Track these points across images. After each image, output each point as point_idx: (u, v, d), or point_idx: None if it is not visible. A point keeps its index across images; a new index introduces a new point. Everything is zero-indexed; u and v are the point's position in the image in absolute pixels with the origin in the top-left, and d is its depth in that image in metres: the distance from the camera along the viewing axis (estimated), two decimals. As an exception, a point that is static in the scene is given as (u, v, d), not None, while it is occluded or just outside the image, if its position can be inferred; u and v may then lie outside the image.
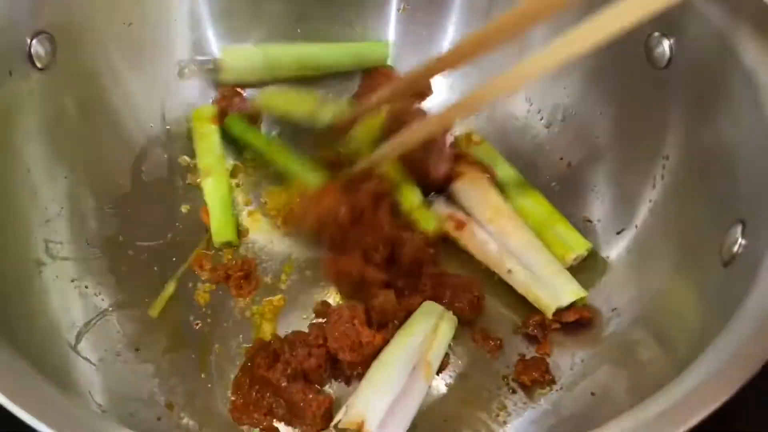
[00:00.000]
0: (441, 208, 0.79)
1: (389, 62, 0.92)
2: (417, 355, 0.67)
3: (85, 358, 0.67)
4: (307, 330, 0.71)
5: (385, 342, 0.68)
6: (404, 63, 0.91)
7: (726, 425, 0.47)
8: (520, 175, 0.83)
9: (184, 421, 0.67)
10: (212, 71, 0.85)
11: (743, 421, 0.62)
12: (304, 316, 0.75)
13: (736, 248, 0.57)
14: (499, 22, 0.62)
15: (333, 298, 0.76)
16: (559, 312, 0.71)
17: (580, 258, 0.76)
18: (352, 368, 0.68)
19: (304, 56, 0.88)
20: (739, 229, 0.58)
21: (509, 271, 0.74)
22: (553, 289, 0.71)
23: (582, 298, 0.72)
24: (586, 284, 0.73)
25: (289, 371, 0.67)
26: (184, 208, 0.82)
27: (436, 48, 0.90)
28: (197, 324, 0.74)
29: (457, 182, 0.80)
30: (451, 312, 0.71)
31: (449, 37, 0.90)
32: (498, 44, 0.63)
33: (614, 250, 0.76)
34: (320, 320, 0.73)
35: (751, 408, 0.53)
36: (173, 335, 0.72)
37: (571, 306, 0.72)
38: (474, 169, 0.80)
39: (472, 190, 0.79)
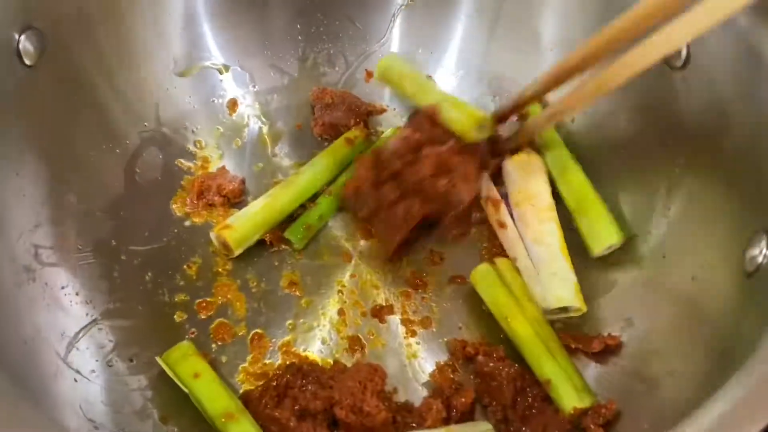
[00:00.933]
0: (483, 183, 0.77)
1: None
2: None
3: (76, 370, 0.64)
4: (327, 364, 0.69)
5: (389, 420, 0.63)
6: (409, 62, 0.88)
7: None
8: (573, 156, 0.79)
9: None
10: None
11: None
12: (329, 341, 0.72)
13: (761, 259, 0.55)
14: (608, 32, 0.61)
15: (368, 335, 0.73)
16: (586, 342, 0.68)
17: (614, 248, 0.73)
18: (347, 429, 0.63)
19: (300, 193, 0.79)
20: (764, 238, 0.56)
21: (515, 259, 0.73)
22: (544, 290, 0.70)
23: (577, 309, 0.70)
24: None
25: (297, 408, 0.63)
26: (179, 212, 0.78)
27: (440, 45, 0.88)
28: (193, 333, 0.71)
29: (508, 161, 0.78)
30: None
31: (456, 34, 0.87)
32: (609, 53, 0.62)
33: (628, 258, 0.73)
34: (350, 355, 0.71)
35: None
36: (170, 344, 0.68)
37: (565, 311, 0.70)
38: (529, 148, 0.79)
39: (517, 171, 0.77)
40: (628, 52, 0.58)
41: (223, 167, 0.82)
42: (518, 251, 0.73)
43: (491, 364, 0.66)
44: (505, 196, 0.77)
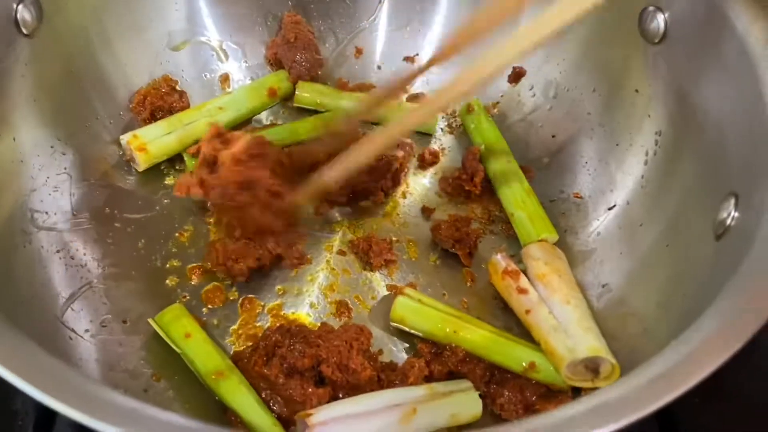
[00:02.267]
0: (500, 264, 0.73)
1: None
2: (408, 398, 0.62)
3: (71, 329, 0.66)
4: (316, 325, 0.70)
5: (374, 377, 0.65)
6: (396, 38, 0.91)
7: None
8: (511, 154, 0.83)
9: (171, 393, 0.66)
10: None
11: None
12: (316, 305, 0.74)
13: (729, 221, 0.57)
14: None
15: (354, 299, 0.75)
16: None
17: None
18: (333, 386, 0.65)
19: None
20: (732, 201, 0.58)
21: (528, 311, 0.69)
22: (576, 342, 0.64)
23: (610, 369, 0.64)
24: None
25: (285, 366, 0.65)
26: (169, 181, 0.80)
27: (428, 22, 0.90)
28: (185, 297, 0.73)
29: (533, 245, 0.75)
30: (479, 400, 0.65)
31: (441, 10, 0.89)
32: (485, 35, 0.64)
33: (604, 226, 0.76)
34: (337, 319, 0.73)
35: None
36: (162, 307, 0.70)
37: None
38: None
39: (542, 251, 0.74)
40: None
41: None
42: (539, 310, 0.69)
43: (459, 368, 0.68)
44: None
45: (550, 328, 0.67)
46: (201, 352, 0.67)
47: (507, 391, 0.66)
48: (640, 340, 0.63)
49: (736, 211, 0.57)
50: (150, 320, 0.69)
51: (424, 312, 0.70)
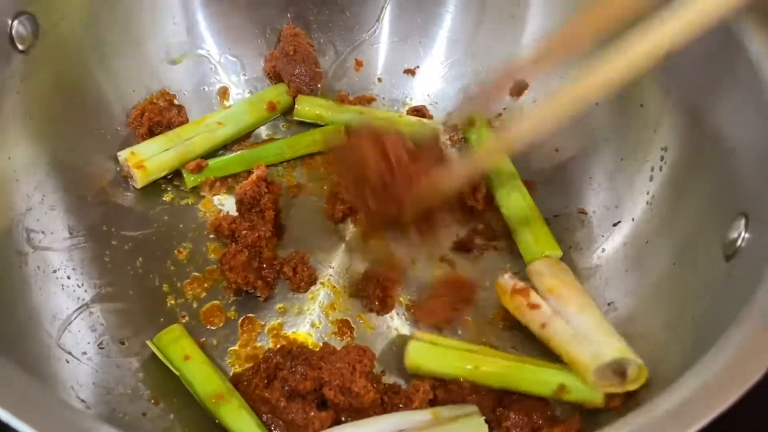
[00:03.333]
0: (508, 284, 0.72)
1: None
2: (412, 423, 0.61)
3: (68, 352, 0.65)
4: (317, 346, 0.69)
5: (377, 400, 0.64)
6: (397, 50, 0.90)
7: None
8: (513, 167, 0.81)
9: (170, 416, 0.65)
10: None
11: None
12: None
13: (739, 242, 0.57)
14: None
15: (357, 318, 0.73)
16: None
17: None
18: (335, 409, 0.64)
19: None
20: (742, 222, 0.57)
21: (543, 325, 0.67)
22: (599, 347, 0.63)
23: (638, 371, 0.62)
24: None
25: (286, 389, 0.64)
26: (167, 197, 0.79)
27: (429, 35, 0.89)
28: (183, 316, 0.72)
29: (538, 262, 0.74)
30: (485, 425, 0.63)
31: (444, 23, 0.88)
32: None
33: (610, 243, 0.75)
34: (340, 339, 0.72)
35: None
36: (160, 328, 0.69)
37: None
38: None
39: (547, 266, 0.73)
40: (604, 59, 0.54)
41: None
42: (555, 322, 0.67)
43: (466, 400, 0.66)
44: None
45: (570, 337, 0.65)
46: (200, 374, 0.65)
47: (513, 413, 0.64)
48: (647, 361, 0.62)
49: (746, 231, 0.57)
50: (148, 342, 0.67)
51: (440, 354, 0.68)
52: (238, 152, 0.82)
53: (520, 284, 0.71)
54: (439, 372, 0.67)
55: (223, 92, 0.87)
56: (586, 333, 0.65)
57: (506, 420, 0.64)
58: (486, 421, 0.63)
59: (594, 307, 0.68)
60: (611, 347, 0.62)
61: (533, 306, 0.69)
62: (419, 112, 0.88)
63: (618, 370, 0.62)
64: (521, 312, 0.70)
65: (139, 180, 0.77)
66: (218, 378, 0.65)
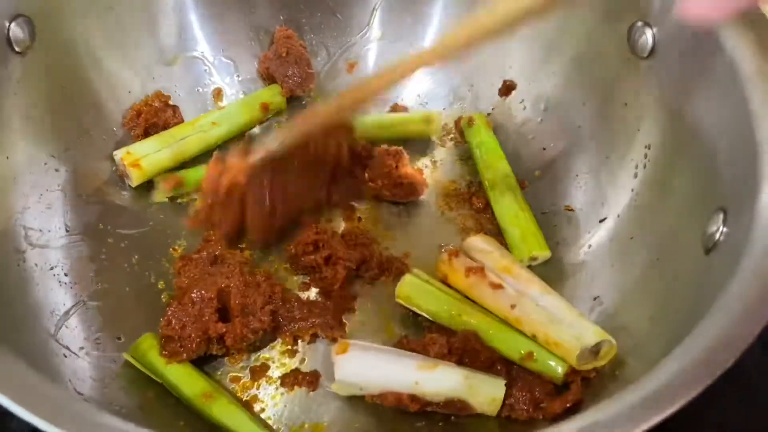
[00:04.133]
0: (458, 262, 0.73)
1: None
2: (429, 372, 0.64)
3: (65, 347, 0.66)
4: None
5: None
6: (388, 51, 0.91)
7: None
8: (510, 169, 0.83)
9: (167, 409, 0.66)
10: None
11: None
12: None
13: (718, 236, 0.58)
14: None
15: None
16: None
17: (539, 261, 0.76)
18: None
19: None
20: (720, 216, 0.59)
21: (513, 306, 0.68)
22: (580, 330, 0.65)
23: (609, 348, 0.65)
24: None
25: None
26: (163, 197, 0.80)
27: (420, 37, 0.90)
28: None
29: (475, 238, 0.76)
30: (503, 386, 0.64)
31: (434, 25, 0.90)
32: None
33: (596, 239, 0.76)
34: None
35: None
36: (155, 324, 0.70)
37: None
38: None
39: (487, 243, 0.75)
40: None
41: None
42: (524, 303, 0.68)
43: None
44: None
45: (546, 320, 0.66)
46: (184, 376, 0.66)
47: (516, 390, 0.66)
48: (631, 354, 0.64)
49: (724, 226, 0.58)
50: (125, 355, 0.68)
51: (431, 292, 0.71)
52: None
53: (472, 263, 0.72)
54: (423, 308, 0.71)
55: (217, 93, 0.88)
56: (561, 316, 0.67)
57: (509, 397, 0.65)
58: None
59: (551, 289, 0.71)
60: (591, 331, 0.65)
61: (495, 286, 0.70)
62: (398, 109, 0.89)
63: (593, 349, 0.65)
64: (480, 292, 0.71)
65: (135, 179, 0.78)
66: (203, 377, 0.66)
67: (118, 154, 0.78)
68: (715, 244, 0.58)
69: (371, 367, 0.66)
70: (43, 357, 0.63)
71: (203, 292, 0.66)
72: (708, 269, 0.58)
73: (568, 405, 0.63)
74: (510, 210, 0.79)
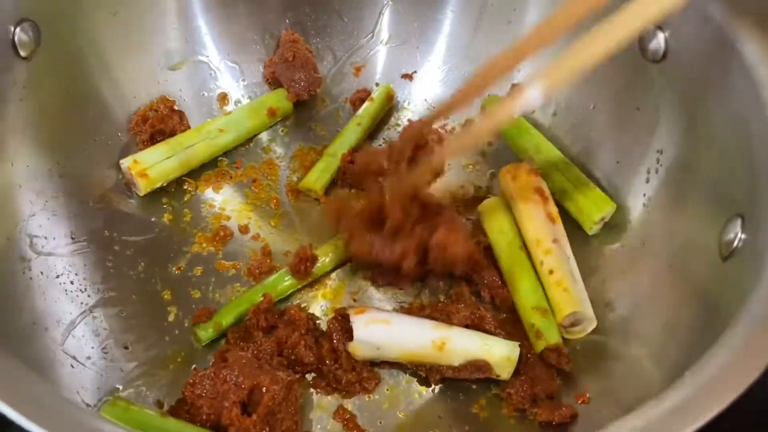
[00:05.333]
0: (531, 178, 0.76)
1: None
2: (446, 331, 0.66)
3: (72, 357, 0.65)
4: None
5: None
6: (395, 55, 0.90)
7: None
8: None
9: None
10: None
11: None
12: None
13: (736, 243, 0.57)
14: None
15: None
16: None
17: (606, 218, 0.76)
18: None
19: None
20: (738, 223, 0.58)
21: (555, 241, 0.72)
22: (583, 297, 0.70)
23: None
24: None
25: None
26: (169, 203, 0.80)
27: (427, 40, 0.90)
28: (187, 321, 0.72)
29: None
30: (518, 348, 0.67)
31: (442, 28, 0.89)
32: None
33: (608, 244, 0.75)
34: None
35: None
36: (161, 333, 0.70)
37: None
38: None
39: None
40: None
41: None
42: (563, 248, 0.73)
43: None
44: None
45: (571, 277, 0.70)
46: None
47: (518, 382, 0.67)
48: (645, 362, 0.63)
49: (743, 232, 0.57)
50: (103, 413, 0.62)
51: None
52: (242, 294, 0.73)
53: (542, 185, 0.75)
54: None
55: (223, 98, 0.87)
56: (577, 277, 0.71)
57: (510, 387, 0.66)
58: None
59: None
60: (589, 305, 0.70)
61: (552, 218, 0.73)
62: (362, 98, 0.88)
63: (575, 321, 0.70)
64: (534, 215, 0.73)
65: (143, 188, 0.77)
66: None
67: (125, 163, 0.77)
68: (733, 251, 0.58)
69: (389, 327, 0.67)
70: (50, 367, 0.63)
71: (240, 378, 0.61)
72: (726, 277, 0.58)
73: (557, 419, 0.64)
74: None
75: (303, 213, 0.81)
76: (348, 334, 0.67)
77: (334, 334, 0.68)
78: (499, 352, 0.66)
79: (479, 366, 0.66)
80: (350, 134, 0.84)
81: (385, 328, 0.67)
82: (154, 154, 0.78)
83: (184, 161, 0.79)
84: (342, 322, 0.69)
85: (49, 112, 0.71)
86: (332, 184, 0.82)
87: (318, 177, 0.81)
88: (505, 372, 0.66)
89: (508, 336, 0.69)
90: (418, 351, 0.66)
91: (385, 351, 0.67)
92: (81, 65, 0.75)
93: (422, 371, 0.68)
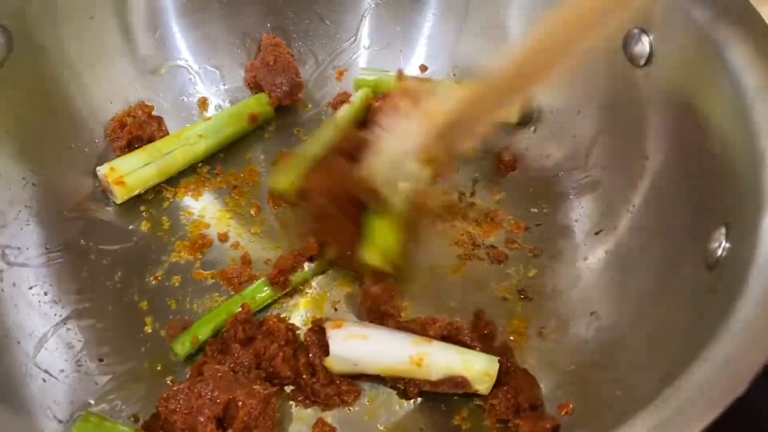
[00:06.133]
0: None
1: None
2: (425, 347, 0.65)
3: (45, 371, 0.64)
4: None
5: None
6: (377, 59, 0.89)
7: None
8: None
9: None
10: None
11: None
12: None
13: (720, 251, 0.56)
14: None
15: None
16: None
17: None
18: None
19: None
20: (723, 231, 0.57)
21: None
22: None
23: None
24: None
25: None
26: (147, 210, 0.78)
27: (409, 43, 0.89)
28: (164, 330, 0.70)
29: None
30: (497, 363, 0.66)
31: (424, 31, 0.88)
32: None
33: (592, 252, 0.74)
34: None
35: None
36: (138, 344, 0.69)
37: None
38: None
39: None
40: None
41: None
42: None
43: None
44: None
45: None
46: None
47: (501, 393, 0.66)
48: (630, 372, 0.62)
49: (727, 241, 0.56)
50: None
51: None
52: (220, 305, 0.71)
53: None
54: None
55: (203, 102, 0.86)
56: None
57: (494, 398, 0.66)
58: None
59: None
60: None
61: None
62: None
63: None
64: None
65: (119, 196, 0.76)
66: None
67: (102, 170, 0.75)
68: (718, 260, 0.57)
69: (366, 342, 0.65)
70: (21, 383, 0.61)
71: (215, 392, 0.60)
72: (711, 286, 0.57)
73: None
74: None
75: (284, 220, 0.79)
76: (325, 348, 0.66)
77: (311, 348, 0.67)
78: (478, 367, 0.65)
79: (457, 382, 0.64)
80: (326, 137, 0.81)
81: (363, 344, 0.65)
82: (131, 162, 0.76)
83: (162, 168, 0.78)
84: (319, 334, 0.67)
85: (21, 120, 0.70)
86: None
87: (286, 178, 0.79)
88: (483, 387, 0.65)
89: (485, 349, 0.68)
90: (396, 366, 0.65)
91: (363, 366, 0.65)
92: (54, 71, 0.73)
93: (401, 384, 0.66)
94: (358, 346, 0.65)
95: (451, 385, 0.65)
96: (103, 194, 0.77)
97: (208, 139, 0.81)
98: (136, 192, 0.77)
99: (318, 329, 0.68)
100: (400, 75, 0.84)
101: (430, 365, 0.64)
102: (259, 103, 0.85)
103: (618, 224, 0.72)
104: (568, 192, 0.78)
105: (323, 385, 0.65)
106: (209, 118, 0.83)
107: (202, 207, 0.79)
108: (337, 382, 0.66)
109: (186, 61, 0.86)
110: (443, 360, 0.65)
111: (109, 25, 0.78)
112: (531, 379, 0.67)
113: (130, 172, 0.76)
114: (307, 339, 0.68)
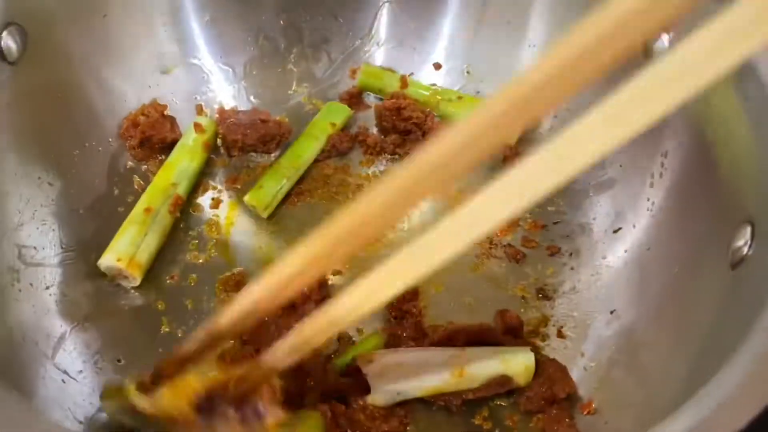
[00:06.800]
0: None
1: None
2: (461, 356, 0.64)
3: (64, 371, 0.64)
4: None
5: None
6: (391, 57, 0.89)
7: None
8: None
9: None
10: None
11: None
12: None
13: (745, 250, 0.56)
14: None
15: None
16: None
17: None
18: None
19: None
20: (748, 230, 0.56)
21: None
22: None
23: None
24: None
25: None
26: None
27: (425, 41, 0.88)
28: (181, 331, 0.70)
29: None
30: (531, 355, 0.65)
31: (441, 30, 0.87)
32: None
33: (611, 250, 0.74)
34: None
35: None
36: (155, 345, 0.69)
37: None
38: None
39: None
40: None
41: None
42: None
43: None
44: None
45: None
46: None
47: (536, 383, 0.65)
48: (653, 371, 0.62)
49: (752, 240, 0.56)
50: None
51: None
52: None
53: None
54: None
55: (200, 109, 0.85)
56: None
57: (529, 390, 0.65)
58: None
59: None
60: None
61: None
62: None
63: None
64: None
65: (138, 276, 0.72)
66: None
67: (109, 263, 0.71)
68: (742, 259, 0.56)
69: (403, 368, 0.64)
70: (41, 384, 0.61)
71: None
72: (734, 286, 0.56)
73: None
74: None
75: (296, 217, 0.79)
76: (365, 387, 0.63)
77: (350, 391, 0.64)
78: (516, 362, 0.65)
79: (501, 382, 0.64)
80: (302, 147, 0.81)
81: (400, 372, 0.63)
82: (126, 239, 0.72)
83: (159, 232, 0.74)
84: (355, 375, 0.64)
85: (36, 118, 0.69)
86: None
87: (261, 193, 0.77)
88: (523, 380, 0.65)
89: (515, 342, 0.68)
90: (441, 384, 0.64)
91: (407, 392, 0.64)
92: (69, 69, 0.73)
93: (441, 401, 0.65)
94: (396, 375, 0.63)
95: (495, 386, 0.64)
96: (118, 191, 0.77)
97: (181, 185, 0.77)
98: (149, 263, 0.73)
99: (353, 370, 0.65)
100: (404, 81, 0.84)
101: (472, 373, 0.64)
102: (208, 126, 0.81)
103: (637, 222, 0.72)
104: (586, 190, 0.78)
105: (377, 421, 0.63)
106: (171, 162, 0.79)
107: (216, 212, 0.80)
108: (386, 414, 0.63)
109: (200, 59, 0.85)
110: (482, 364, 0.64)
111: (126, 22, 0.77)
112: (562, 368, 0.66)
113: (136, 252, 0.71)
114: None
